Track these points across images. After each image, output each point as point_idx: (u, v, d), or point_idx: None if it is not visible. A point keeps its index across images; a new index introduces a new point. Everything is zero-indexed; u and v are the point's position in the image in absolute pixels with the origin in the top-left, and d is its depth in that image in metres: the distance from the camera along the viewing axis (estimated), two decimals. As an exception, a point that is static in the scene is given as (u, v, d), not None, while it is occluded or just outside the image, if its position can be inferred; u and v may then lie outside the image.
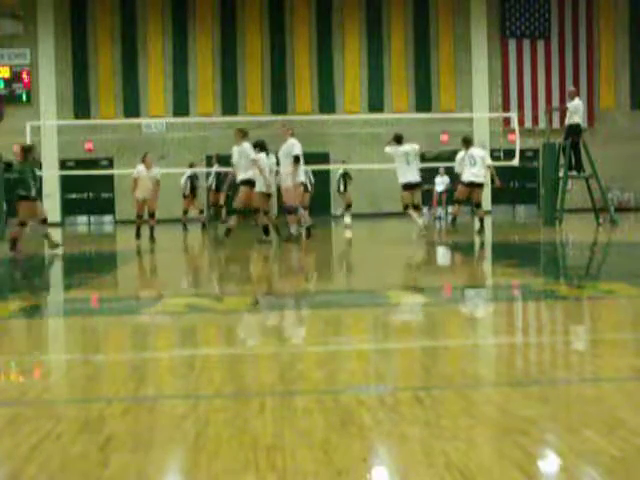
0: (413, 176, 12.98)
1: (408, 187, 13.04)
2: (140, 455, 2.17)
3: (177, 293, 6.70)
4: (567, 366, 3.37)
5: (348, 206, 19.59)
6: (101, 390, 3.08)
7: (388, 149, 13.33)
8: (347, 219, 18.58)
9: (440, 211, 23.93)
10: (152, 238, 13.61)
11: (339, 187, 20.23)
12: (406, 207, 13.17)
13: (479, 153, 14.31)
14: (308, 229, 12.57)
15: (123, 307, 5.72)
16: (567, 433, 2.28)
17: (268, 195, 12.82)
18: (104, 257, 12.06)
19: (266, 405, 2.67)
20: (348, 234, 15.31)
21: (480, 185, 14.14)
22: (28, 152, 11.37)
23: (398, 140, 13.24)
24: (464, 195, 14.30)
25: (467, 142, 14.40)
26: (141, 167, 14.26)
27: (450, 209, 24.03)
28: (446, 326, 4.61)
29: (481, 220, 13.78)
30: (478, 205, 14.23)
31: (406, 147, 13.06)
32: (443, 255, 10.74)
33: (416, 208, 13.17)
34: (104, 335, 4.56)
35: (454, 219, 14.67)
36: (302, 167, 12.43)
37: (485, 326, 4.67)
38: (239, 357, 3.67)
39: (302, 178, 12.58)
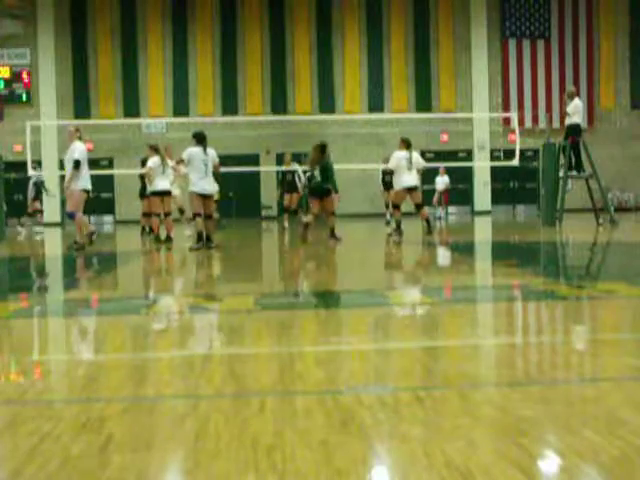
0: (209, 185, 11.74)
1: (202, 195, 11.67)
2: (140, 455, 2.17)
3: (179, 293, 6.70)
4: (567, 366, 3.37)
5: (388, 205, 18.81)
6: (101, 390, 3.08)
7: (186, 152, 11.86)
8: (389, 216, 18.26)
9: (440, 211, 23.93)
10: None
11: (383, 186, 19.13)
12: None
13: (417, 156, 13.56)
14: (91, 235, 11.82)
15: (124, 307, 5.72)
16: (567, 433, 2.28)
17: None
18: (117, 256, 12.08)
19: (266, 405, 2.67)
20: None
21: (417, 188, 13.54)
22: (325, 149, 12.67)
23: (200, 140, 11.74)
24: (402, 199, 13.68)
25: (408, 143, 13.53)
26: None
27: (440, 209, 24.02)
28: (446, 326, 4.61)
29: (427, 220, 13.40)
30: (419, 206, 13.66)
31: (209, 152, 11.82)
32: (441, 255, 10.74)
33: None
34: (104, 335, 4.56)
35: (399, 225, 13.53)
36: (86, 172, 11.50)
37: (485, 326, 4.67)
38: (239, 357, 3.67)
39: (86, 184, 11.58)
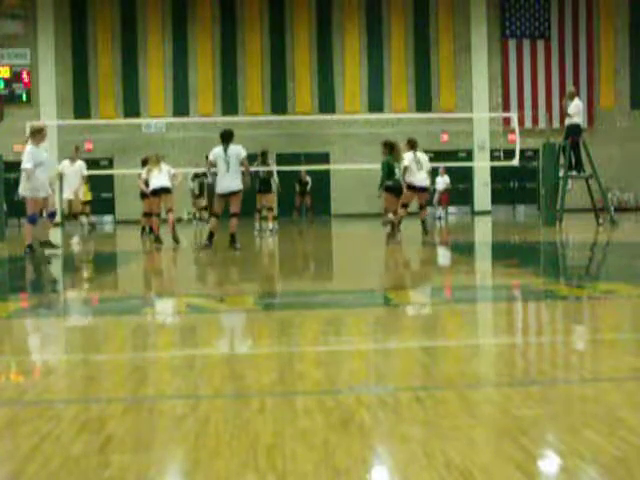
0: (232, 182, 11.33)
1: (224, 195, 11.47)
2: (140, 455, 2.17)
3: (179, 293, 6.70)
4: (567, 366, 3.37)
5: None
6: (101, 390, 3.08)
7: (210, 153, 11.56)
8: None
9: (440, 211, 23.93)
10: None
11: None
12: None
13: (424, 157, 13.34)
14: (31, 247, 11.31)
15: (124, 307, 5.72)
16: (567, 433, 2.28)
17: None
18: (113, 257, 12.07)
19: (266, 405, 2.67)
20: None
21: (427, 189, 13.52)
22: (394, 147, 12.76)
23: (223, 139, 11.43)
24: (411, 199, 13.33)
25: (412, 144, 13.68)
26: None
27: (440, 209, 23.95)
28: (446, 326, 4.61)
29: (423, 221, 13.25)
30: (422, 207, 13.46)
31: (232, 150, 11.38)
32: (441, 255, 10.74)
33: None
34: (104, 335, 4.56)
35: (399, 223, 13.20)
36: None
37: (485, 326, 4.67)
38: (239, 357, 3.67)
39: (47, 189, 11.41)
